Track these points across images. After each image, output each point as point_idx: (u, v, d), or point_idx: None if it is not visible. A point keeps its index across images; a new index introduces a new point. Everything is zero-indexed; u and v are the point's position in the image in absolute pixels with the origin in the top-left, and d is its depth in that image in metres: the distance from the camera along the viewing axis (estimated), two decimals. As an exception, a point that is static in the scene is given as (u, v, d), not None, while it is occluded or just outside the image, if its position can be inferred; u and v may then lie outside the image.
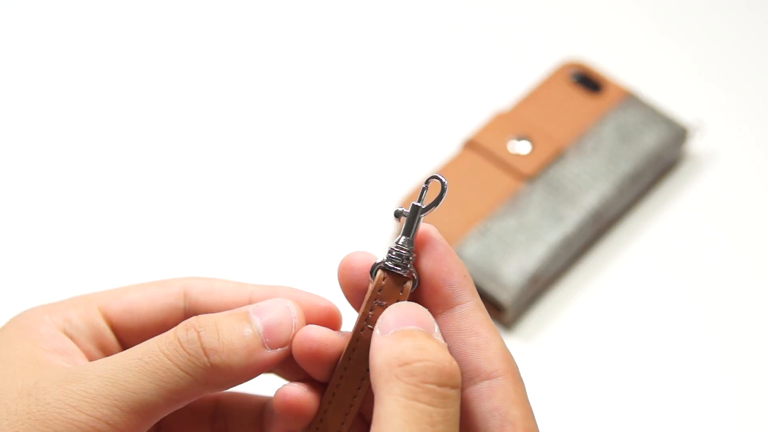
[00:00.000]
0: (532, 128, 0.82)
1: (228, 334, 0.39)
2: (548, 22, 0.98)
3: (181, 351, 0.38)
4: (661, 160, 0.83)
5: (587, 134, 0.82)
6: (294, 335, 0.40)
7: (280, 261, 0.79)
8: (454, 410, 0.37)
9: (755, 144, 0.89)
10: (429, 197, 0.41)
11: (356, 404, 0.41)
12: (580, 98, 0.85)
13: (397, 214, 0.41)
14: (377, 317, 0.39)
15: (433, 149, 0.84)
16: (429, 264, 0.41)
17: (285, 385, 0.42)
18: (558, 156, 0.81)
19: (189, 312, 0.44)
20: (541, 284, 0.77)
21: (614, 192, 0.80)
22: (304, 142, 0.87)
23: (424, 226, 0.41)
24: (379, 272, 0.40)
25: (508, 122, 0.83)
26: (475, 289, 0.42)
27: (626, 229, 0.82)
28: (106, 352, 0.43)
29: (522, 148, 0.81)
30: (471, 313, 0.41)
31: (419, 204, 0.40)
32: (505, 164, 0.80)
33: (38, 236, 0.79)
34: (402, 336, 0.38)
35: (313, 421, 0.41)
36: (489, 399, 0.39)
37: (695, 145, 0.87)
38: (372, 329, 0.39)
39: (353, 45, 0.95)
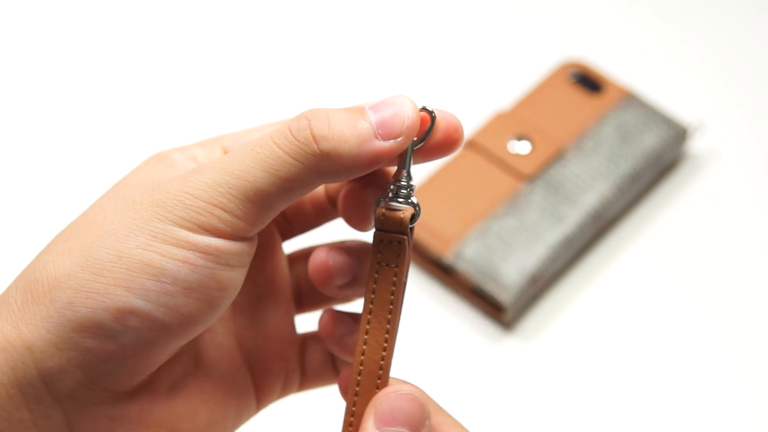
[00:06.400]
0: (532, 128, 0.82)
1: (339, 123, 0.40)
2: (548, 22, 0.98)
3: (291, 139, 0.39)
4: (661, 160, 0.83)
5: (587, 134, 0.82)
6: (407, 128, 0.41)
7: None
8: None
9: (755, 144, 0.89)
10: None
11: (391, 336, 0.41)
12: (580, 98, 0.85)
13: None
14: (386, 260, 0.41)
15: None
16: None
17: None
18: (558, 156, 0.81)
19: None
20: (541, 284, 0.77)
21: (614, 192, 0.80)
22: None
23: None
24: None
25: (508, 122, 0.83)
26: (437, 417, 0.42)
27: (626, 229, 0.82)
28: None
29: (522, 148, 0.81)
30: None
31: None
32: (505, 164, 0.80)
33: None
34: None
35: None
36: None
37: (695, 145, 0.87)
38: (385, 266, 0.41)
39: (354, 46, 0.95)
